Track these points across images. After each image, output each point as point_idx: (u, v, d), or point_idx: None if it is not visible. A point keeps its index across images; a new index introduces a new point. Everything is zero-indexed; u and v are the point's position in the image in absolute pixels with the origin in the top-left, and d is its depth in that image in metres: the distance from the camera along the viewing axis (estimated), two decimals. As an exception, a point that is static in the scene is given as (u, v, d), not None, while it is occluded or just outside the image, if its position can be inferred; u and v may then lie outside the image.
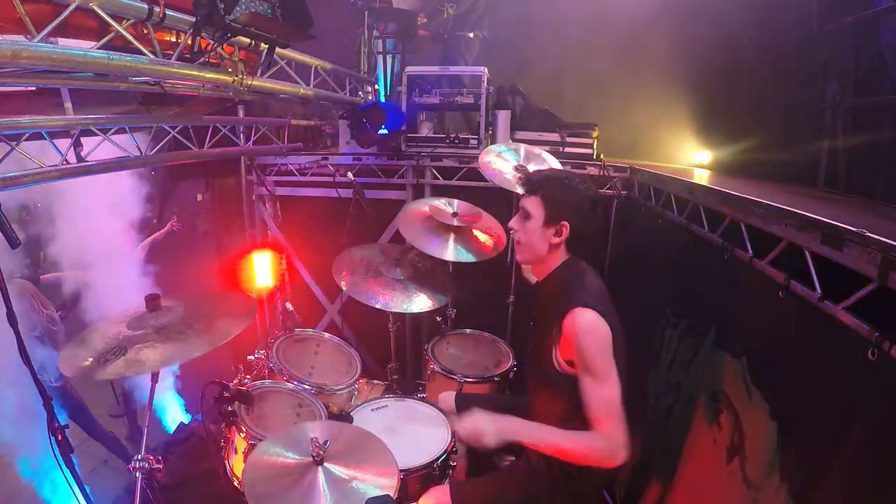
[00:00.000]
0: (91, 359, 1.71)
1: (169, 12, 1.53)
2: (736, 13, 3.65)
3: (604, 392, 1.61)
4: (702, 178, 3.04)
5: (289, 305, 3.13)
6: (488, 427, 1.69)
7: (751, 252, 1.90)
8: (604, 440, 1.59)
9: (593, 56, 4.18)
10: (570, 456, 1.65)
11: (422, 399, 2.55)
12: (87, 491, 1.77)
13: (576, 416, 1.67)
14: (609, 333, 1.64)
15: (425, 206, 3.00)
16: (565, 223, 1.77)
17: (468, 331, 3.18)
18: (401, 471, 1.81)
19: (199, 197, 4.63)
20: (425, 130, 4.00)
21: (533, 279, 2.39)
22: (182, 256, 4.18)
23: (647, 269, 3.04)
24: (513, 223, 1.90)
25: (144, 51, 1.52)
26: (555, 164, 3.05)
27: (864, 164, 2.78)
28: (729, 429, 1.87)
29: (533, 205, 1.81)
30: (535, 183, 1.83)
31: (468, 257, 2.79)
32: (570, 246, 1.83)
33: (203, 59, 1.74)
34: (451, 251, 2.80)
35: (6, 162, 1.87)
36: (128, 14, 1.45)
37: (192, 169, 4.26)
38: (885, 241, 1.21)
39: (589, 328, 1.63)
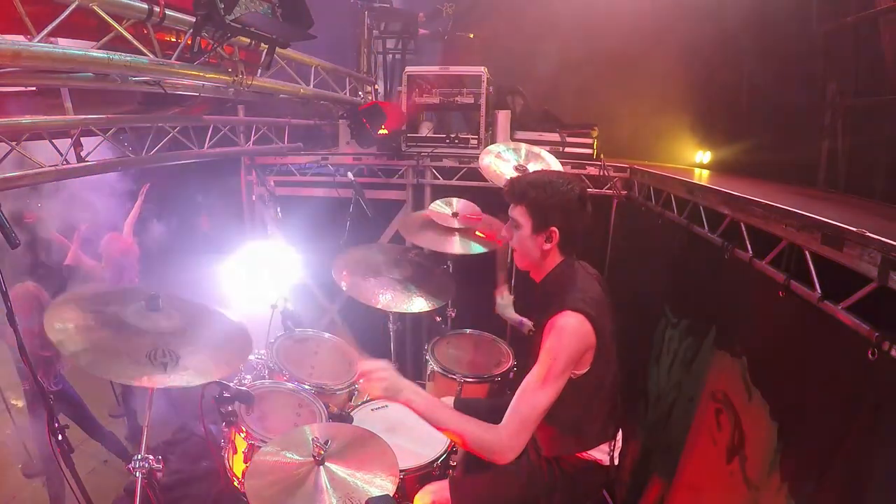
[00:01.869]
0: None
1: (169, 12, 1.53)
2: (736, 13, 3.65)
3: (537, 396, 1.59)
4: (702, 177, 3.04)
5: (289, 305, 3.12)
6: (389, 382, 1.61)
7: (751, 252, 1.90)
8: (506, 438, 1.56)
9: (593, 56, 4.18)
10: (463, 443, 1.61)
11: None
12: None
13: (555, 414, 1.66)
14: (581, 342, 1.62)
15: (425, 211, 3.04)
16: (554, 228, 1.75)
17: (468, 331, 3.18)
18: (400, 471, 1.81)
19: (200, 198, 4.64)
20: (425, 130, 3.99)
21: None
22: (182, 256, 4.18)
23: (648, 270, 3.04)
24: (504, 232, 1.90)
25: (144, 51, 1.52)
26: (555, 163, 3.04)
27: (864, 164, 2.78)
28: (729, 429, 1.87)
29: (520, 214, 1.79)
30: (519, 192, 1.80)
31: (477, 249, 2.84)
32: (565, 247, 1.82)
33: (203, 59, 1.73)
34: (458, 246, 2.86)
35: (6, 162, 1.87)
36: (128, 14, 1.44)
37: (192, 169, 4.26)
38: (885, 241, 1.21)
39: (564, 328, 1.61)
